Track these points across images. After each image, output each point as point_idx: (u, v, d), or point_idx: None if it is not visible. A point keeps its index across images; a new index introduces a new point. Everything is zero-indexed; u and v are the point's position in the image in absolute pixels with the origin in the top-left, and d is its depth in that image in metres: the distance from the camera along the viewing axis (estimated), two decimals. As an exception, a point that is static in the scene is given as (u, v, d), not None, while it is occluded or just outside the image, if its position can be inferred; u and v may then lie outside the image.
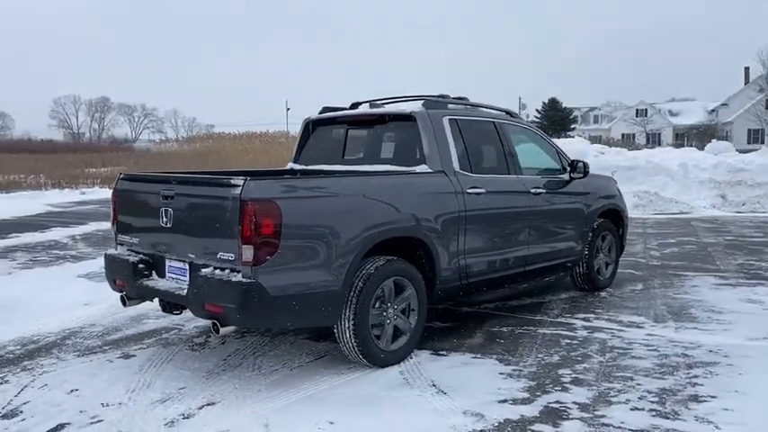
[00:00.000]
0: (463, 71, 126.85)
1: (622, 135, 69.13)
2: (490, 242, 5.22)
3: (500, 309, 5.97)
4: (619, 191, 7.13)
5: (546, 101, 67.49)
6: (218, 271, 3.92)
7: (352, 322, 4.20)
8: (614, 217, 6.92)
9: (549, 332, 5.24)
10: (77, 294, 6.62)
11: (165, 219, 4.27)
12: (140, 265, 4.46)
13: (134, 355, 4.77)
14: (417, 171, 4.88)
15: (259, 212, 3.73)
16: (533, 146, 6.16)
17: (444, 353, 4.77)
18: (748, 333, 5.18)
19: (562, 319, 5.63)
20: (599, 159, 16.73)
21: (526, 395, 3.94)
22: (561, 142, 18.22)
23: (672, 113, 73.82)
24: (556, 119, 64.93)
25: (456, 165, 5.01)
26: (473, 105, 5.71)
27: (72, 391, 4.09)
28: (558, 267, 6.15)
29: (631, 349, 4.79)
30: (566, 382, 4.13)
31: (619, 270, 7.71)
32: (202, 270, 3.99)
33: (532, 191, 5.63)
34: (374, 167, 5.11)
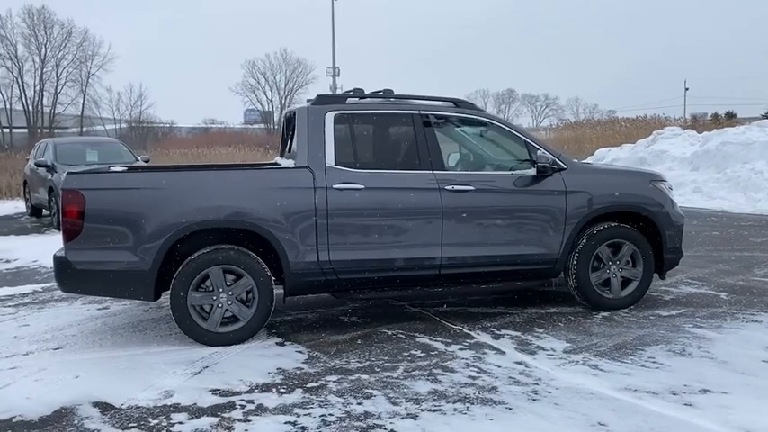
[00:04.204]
0: None
1: None
2: (370, 240, 5.03)
3: (443, 314, 5.59)
4: (661, 192, 5.69)
5: None
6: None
7: (170, 301, 4.77)
8: (643, 222, 5.61)
9: (425, 342, 4.84)
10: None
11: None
12: None
13: (107, 308, 6.11)
14: (281, 167, 5.07)
15: (66, 199, 4.63)
16: (491, 139, 5.51)
17: (289, 344, 4.91)
18: (642, 383, 4.00)
19: (475, 333, 5.05)
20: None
21: (245, 388, 4.02)
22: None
23: None
24: None
25: (330, 160, 5.00)
26: (398, 98, 5.44)
27: (23, 325, 5.58)
28: (511, 274, 5.40)
29: (455, 373, 4.22)
30: (304, 388, 4.02)
31: (705, 290, 6.25)
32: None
33: (448, 188, 5.12)
34: (288, 162, 5.44)
